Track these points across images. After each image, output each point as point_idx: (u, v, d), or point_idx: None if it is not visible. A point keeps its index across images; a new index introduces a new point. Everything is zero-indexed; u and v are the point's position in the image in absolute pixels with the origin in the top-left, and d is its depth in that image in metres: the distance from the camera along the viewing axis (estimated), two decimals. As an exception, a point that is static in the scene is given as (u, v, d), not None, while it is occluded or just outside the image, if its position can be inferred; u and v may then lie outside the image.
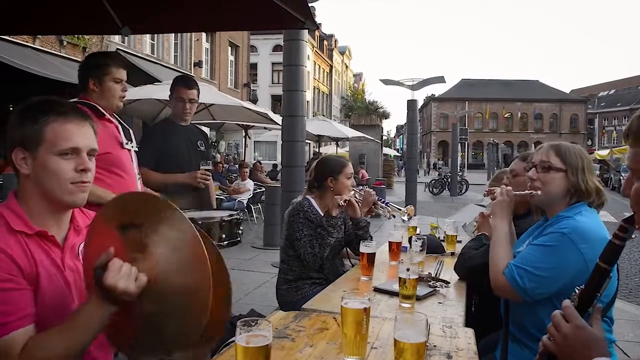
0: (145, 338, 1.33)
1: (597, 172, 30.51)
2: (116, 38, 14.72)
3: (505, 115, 65.26)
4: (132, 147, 2.80)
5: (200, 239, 1.21)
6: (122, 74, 2.75)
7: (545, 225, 1.98)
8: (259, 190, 10.82)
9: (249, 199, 10.37)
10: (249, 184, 10.62)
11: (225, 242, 2.55)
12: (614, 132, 63.15)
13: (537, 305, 1.86)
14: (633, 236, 1.12)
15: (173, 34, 18.44)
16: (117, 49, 14.50)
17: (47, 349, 1.22)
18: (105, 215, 1.37)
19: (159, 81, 10.97)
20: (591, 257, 1.72)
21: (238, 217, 2.63)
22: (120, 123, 2.82)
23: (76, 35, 12.55)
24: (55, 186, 1.35)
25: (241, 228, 2.70)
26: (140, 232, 1.28)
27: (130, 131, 2.89)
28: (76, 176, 1.37)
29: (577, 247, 1.78)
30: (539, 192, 1.97)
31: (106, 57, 2.85)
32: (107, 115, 2.69)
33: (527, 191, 2.03)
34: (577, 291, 1.21)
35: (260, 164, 15.78)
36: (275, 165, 19.60)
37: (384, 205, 3.19)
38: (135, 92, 8.13)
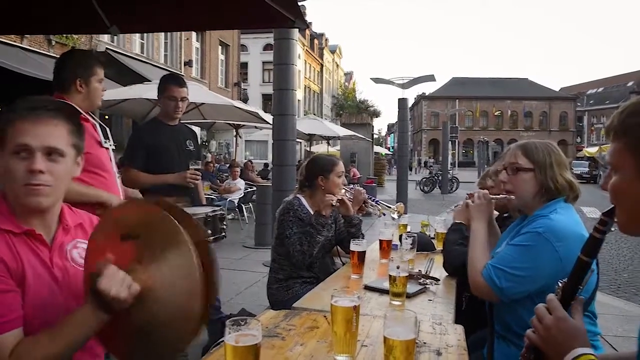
0: (136, 348, 1.35)
1: (586, 169, 30.92)
2: (105, 37, 14.62)
3: (496, 113, 65.58)
4: (110, 145, 2.75)
5: (198, 270, 1.21)
6: (103, 73, 2.73)
7: (522, 225, 2.00)
8: (250, 190, 10.81)
9: (240, 198, 10.35)
10: (240, 183, 10.61)
11: (211, 239, 2.54)
12: (603, 129, 63.52)
13: (518, 304, 1.88)
14: (612, 229, 1.14)
15: (163, 33, 18.34)
16: (107, 48, 14.41)
17: (36, 352, 1.22)
18: (110, 221, 1.37)
19: (149, 80, 10.91)
20: (566, 255, 1.74)
21: (222, 212, 2.62)
22: (97, 121, 2.77)
23: (65, 35, 12.45)
24: (11, 187, 1.33)
25: (225, 223, 2.69)
26: (141, 244, 1.28)
27: (107, 130, 2.84)
28: (27, 177, 1.30)
29: (552, 246, 1.80)
30: (513, 196, 2.00)
31: (91, 57, 2.81)
32: (89, 118, 2.64)
33: (502, 195, 2.06)
34: (560, 285, 1.22)
35: (252, 163, 15.76)
36: (266, 165, 19.56)
37: (374, 203, 3.20)
38: (124, 92, 8.10)
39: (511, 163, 2.01)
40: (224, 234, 2.58)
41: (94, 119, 2.74)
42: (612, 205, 1.11)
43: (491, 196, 2.21)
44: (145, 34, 17.24)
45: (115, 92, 8.04)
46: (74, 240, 1.48)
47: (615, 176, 1.07)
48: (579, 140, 65.73)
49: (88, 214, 1.62)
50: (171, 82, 3.50)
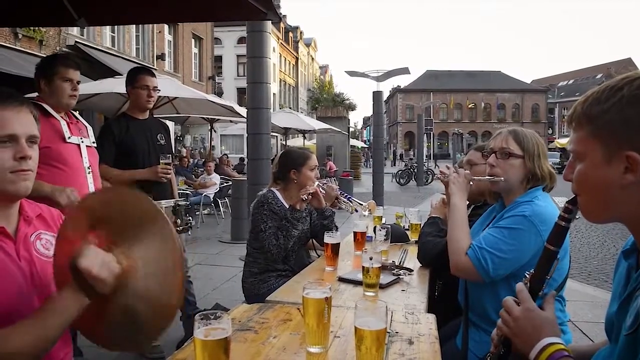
0: (117, 332, 1.33)
1: (557, 160, 31.55)
2: (75, 31, 14.28)
3: (469, 106, 66.37)
4: (81, 141, 2.82)
5: (179, 246, 1.23)
6: (72, 73, 2.81)
7: (504, 211, 2.03)
8: (225, 184, 10.74)
9: (215, 193, 10.28)
10: (215, 178, 10.53)
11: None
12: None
13: (496, 287, 1.91)
14: (577, 217, 1.15)
15: (134, 26, 18.01)
16: (76, 42, 14.09)
17: (14, 340, 1.17)
18: (79, 212, 1.37)
19: (120, 74, 10.70)
20: None
21: (187, 203, 2.62)
22: (78, 120, 2.92)
23: (32, 28, 12.12)
24: None
25: (189, 216, 2.72)
26: (115, 227, 1.29)
27: (89, 128, 2.99)
28: (15, 164, 1.33)
29: (537, 229, 1.85)
30: (502, 178, 2.02)
31: (55, 58, 2.93)
32: (54, 114, 2.74)
33: (488, 177, 2.07)
34: (527, 275, 1.24)
35: (227, 157, 15.64)
36: (242, 159, 19.43)
37: (345, 200, 3.22)
38: (95, 86, 7.91)
39: (502, 148, 2.03)
40: (189, 224, 2.59)
41: (75, 117, 2.92)
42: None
43: (477, 177, 2.18)
44: (116, 27, 16.88)
45: (85, 87, 7.85)
46: (37, 231, 1.47)
47: (580, 164, 1.07)
48: (550, 131, 66.90)
49: (46, 205, 1.59)
50: (142, 72, 3.49)
